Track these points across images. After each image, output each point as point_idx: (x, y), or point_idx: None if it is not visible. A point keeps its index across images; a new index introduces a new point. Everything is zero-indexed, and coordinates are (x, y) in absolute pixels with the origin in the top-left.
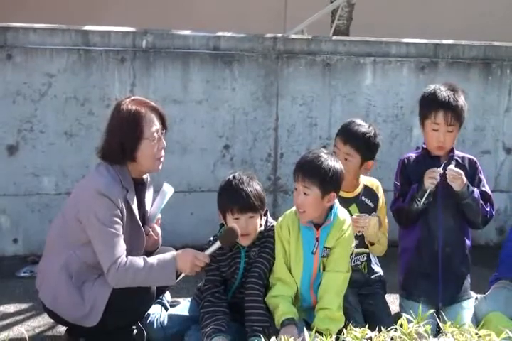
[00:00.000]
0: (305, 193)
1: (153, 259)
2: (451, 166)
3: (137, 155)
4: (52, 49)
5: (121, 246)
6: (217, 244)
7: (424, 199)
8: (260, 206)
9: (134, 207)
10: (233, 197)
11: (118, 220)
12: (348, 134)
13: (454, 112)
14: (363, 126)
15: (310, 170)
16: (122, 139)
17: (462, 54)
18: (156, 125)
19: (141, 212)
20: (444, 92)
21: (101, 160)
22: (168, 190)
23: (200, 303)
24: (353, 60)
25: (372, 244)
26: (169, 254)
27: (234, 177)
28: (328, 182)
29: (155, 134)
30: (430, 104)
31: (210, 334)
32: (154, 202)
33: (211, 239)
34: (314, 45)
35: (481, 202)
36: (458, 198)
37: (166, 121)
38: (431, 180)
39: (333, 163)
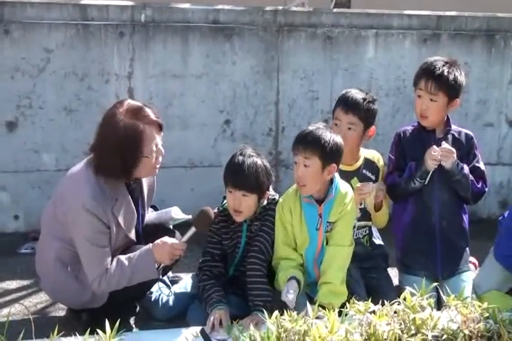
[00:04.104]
0: (305, 165)
1: (131, 260)
2: (445, 144)
3: (134, 172)
4: (50, 24)
5: (106, 261)
6: (193, 230)
7: (427, 180)
8: (256, 187)
9: (121, 218)
10: (231, 171)
11: (103, 236)
12: (348, 103)
13: (437, 81)
14: (360, 93)
15: (310, 140)
16: (122, 161)
17: (465, 26)
18: (155, 138)
19: (140, 208)
20: (435, 62)
21: (95, 174)
22: (177, 216)
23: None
24: (354, 33)
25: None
26: (145, 250)
27: (241, 152)
28: (329, 152)
29: (154, 148)
30: (418, 73)
31: (212, 303)
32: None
33: (215, 210)
34: (315, 17)
35: (472, 178)
36: (448, 175)
37: (163, 127)
38: (433, 161)
39: (332, 134)
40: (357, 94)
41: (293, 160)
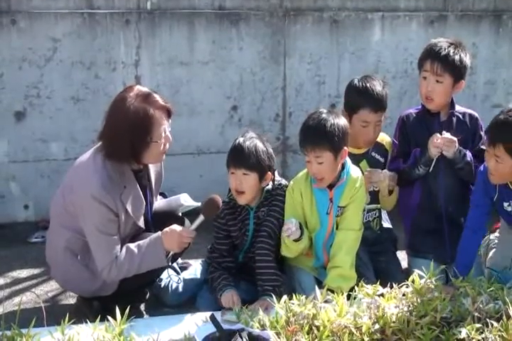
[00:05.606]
0: (319, 163)
1: (140, 248)
2: (446, 134)
3: (143, 156)
4: (57, 13)
5: (115, 249)
6: (201, 218)
7: (431, 167)
8: (256, 164)
9: (129, 206)
10: (231, 152)
11: (112, 224)
12: (376, 101)
13: (442, 62)
14: (379, 86)
15: (316, 138)
16: (132, 144)
17: (472, 6)
18: (164, 124)
19: (149, 195)
20: (440, 43)
21: (104, 157)
22: (187, 202)
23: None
24: (361, 16)
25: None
26: (154, 239)
27: (242, 134)
28: (337, 142)
29: (162, 134)
30: (423, 54)
31: (219, 289)
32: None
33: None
34: (321, 1)
35: (475, 163)
36: (451, 163)
37: (172, 113)
38: (436, 149)
39: (335, 120)
40: (379, 88)
41: (305, 159)
